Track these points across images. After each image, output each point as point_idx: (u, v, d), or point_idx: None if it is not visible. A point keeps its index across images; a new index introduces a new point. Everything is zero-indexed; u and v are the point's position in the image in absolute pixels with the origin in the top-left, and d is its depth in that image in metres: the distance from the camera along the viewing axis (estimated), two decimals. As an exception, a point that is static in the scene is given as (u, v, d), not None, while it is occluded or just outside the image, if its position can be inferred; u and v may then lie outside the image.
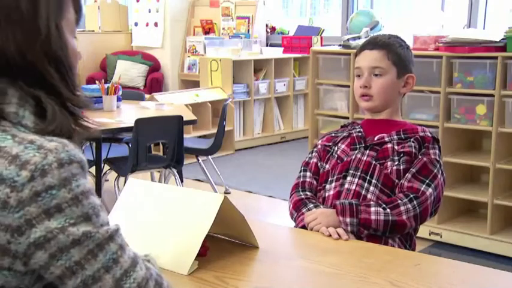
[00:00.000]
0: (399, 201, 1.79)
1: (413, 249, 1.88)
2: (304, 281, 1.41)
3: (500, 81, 3.42)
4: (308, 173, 1.98)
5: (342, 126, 2.06)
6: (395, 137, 1.90)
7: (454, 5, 6.41)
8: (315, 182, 1.95)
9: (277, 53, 7.01)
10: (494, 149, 3.50)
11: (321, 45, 6.78)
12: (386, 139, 1.90)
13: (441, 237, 3.76)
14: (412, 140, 1.88)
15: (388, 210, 1.77)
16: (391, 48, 1.95)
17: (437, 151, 1.89)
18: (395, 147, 1.88)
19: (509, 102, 3.45)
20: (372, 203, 1.78)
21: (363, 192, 1.83)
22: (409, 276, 1.39)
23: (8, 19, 1.01)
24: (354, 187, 1.84)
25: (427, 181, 1.82)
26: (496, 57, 3.41)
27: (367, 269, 1.43)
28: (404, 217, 1.77)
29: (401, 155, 1.86)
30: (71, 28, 1.10)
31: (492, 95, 3.46)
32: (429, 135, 1.91)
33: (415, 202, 1.79)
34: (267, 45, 7.56)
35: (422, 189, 1.81)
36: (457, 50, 3.55)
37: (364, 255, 1.53)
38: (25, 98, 1.03)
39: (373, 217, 1.75)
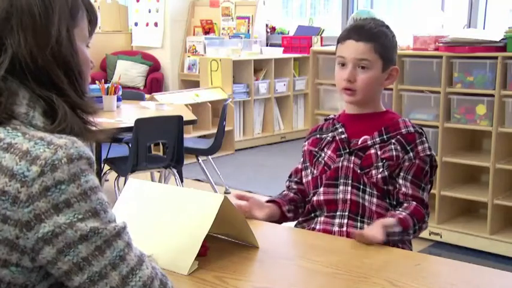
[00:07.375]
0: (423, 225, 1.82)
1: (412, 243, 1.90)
2: (304, 281, 1.41)
3: (500, 81, 3.42)
4: (294, 187, 2.05)
5: (325, 120, 1.99)
6: (377, 139, 1.84)
7: (454, 5, 6.41)
8: (296, 196, 2.04)
9: (277, 53, 7.01)
10: (494, 149, 3.50)
11: (321, 45, 6.78)
12: (369, 143, 1.84)
13: (441, 237, 3.76)
14: (394, 141, 1.83)
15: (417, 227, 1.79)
16: (379, 40, 1.84)
17: (426, 145, 1.85)
18: (379, 152, 1.82)
19: (509, 102, 3.45)
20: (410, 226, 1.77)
21: (360, 200, 1.82)
22: (409, 276, 1.39)
23: (21, 24, 1.04)
24: (349, 196, 1.83)
25: (423, 185, 1.84)
26: (496, 57, 3.41)
27: (367, 269, 1.43)
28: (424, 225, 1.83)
29: (384, 161, 1.82)
30: (83, 36, 1.13)
31: (492, 95, 3.46)
32: (412, 130, 1.85)
33: (425, 220, 1.83)
34: (267, 45, 7.55)
35: (423, 197, 1.83)
36: (457, 50, 3.55)
37: (364, 255, 1.53)
38: (35, 100, 1.05)
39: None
